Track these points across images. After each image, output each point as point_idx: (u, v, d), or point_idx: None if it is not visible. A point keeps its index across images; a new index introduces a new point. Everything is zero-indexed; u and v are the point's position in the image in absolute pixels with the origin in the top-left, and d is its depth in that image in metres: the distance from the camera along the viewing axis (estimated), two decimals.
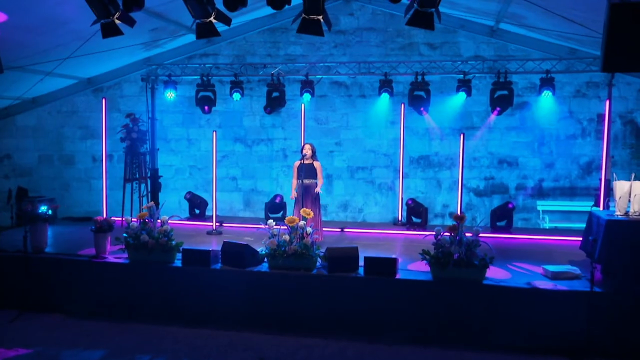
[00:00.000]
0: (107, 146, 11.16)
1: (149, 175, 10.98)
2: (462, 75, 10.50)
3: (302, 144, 9.58)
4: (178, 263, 8.25)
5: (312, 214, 8.31)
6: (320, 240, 9.35)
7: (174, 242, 8.27)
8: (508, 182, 12.99)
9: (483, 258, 7.60)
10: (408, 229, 10.54)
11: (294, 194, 9.45)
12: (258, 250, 8.15)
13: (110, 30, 6.74)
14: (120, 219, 10.50)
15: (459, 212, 9.64)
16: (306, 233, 8.07)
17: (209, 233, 10.39)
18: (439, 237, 7.74)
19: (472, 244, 7.66)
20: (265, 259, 8.11)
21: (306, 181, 9.39)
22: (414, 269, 8.04)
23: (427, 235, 8.03)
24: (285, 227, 8.04)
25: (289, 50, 13.16)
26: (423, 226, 10.46)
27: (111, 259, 8.41)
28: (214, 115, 13.28)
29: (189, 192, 11.61)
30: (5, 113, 12.61)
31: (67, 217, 11.52)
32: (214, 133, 10.35)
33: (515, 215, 12.55)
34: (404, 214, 11.26)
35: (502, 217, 10.45)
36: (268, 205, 11.15)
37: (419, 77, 10.56)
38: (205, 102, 10.97)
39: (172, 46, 11.92)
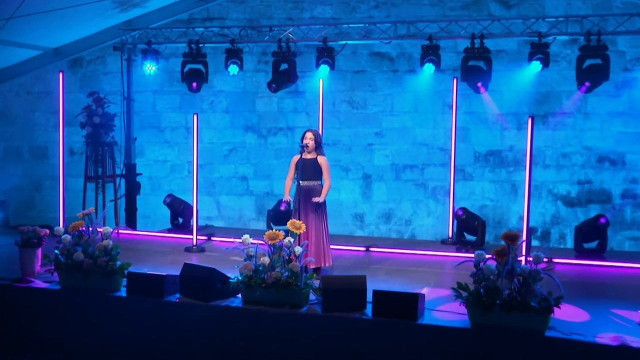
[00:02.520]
0: (67, 136, 10.22)
1: (122, 172, 9.95)
2: (536, 38, 8.95)
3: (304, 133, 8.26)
4: (124, 291, 7.16)
5: (303, 227, 7.02)
6: (326, 264, 8.05)
7: (118, 263, 7.15)
8: (611, 187, 11.57)
9: (545, 298, 6.13)
10: (458, 250, 9.07)
11: (287, 197, 8.16)
12: (231, 276, 6.93)
13: None
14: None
15: (528, 226, 8.11)
16: (294, 254, 6.77)
17: (188, 250, 9.29)
18: (481, 264, 6.29)
19: (530, 277, 6.19)
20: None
21: (306, 183, 8.08)
22: (448, 309, 6.69)
23: (461, 262, 6.59)
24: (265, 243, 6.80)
25: (316, 12, 12.04)
26: (479, 246, 8.98)
27: (39, 283, 7.46)
28: (219, 96, 12.35)
29: (170, 195, 10.59)
30: None
31: (18, 226, 10.63)
32: (195, 117, 9.16)
33: (617, 234, 10.97)
34: (455, 229, 9.84)
35: (591, 237, 8.90)
36: (271, 214, 9.98)
37: (476, 42, 9.07)
38: (194, 77, 9.94)
39: (160, 4, 10.86)
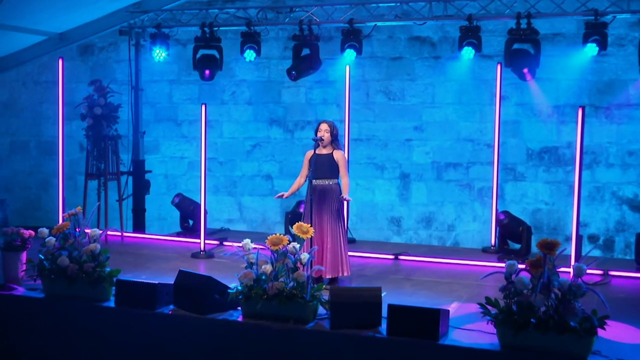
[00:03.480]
0: (76, 131, 10.14)
1: (130, 169, 9.77)
2: (592, 17, 8.46)
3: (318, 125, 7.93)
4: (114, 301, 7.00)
5: (311, 231, 6.68)
6: (344, 274, 7.69)
7: (107, 269, 6.93)
8: None
9: (588, 317, 5.65)
10: (500, 259, 8.61)
11: (285, 194, 7.85)
12: (231, 286, 6.65)
13: None
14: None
15: (577, 232, 7.63)
16: (300, 262, 6.44)
17: (195, 256, 9.03)
18: (513, 277, 5.86)
19: (570, 292, 5.73)
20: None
21: (320, 182, 7.74)
22: (476, 328, 6.27)
23: (490, 274, 6.17)
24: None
25: None
26: (524, 255, 8.53)
27: (22, 290, 7.33)
28: (241, 86, 12.15)
29: (178, 195, 10.36)
30: None
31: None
32: (203, 107, 8.93)
33: None
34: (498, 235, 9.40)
35: None
36: (289, 216, 9.66)
37: (522, 22, 8.61)
38: (207, 64, 9.70)
39: None
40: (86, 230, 7.19)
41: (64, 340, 7.06)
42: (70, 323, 7.06)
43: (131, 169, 10.36)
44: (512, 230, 8.94)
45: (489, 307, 5.97)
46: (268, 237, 6.56)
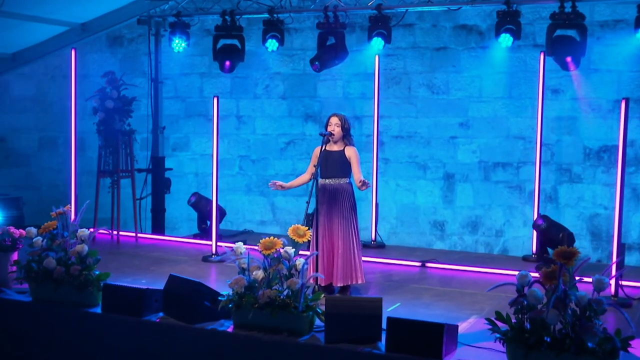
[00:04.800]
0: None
1: (149, 167, 9.60)
2: None
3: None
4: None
5: (308, 234, 6.34)
6: (357, 282, 7.32)
7: (96, 272, 6.73)
8: None
9: (609, 338, 5.15)
10: (537, 269, 8.05)
11: (284, 185, 7.49)
12: (223, 294, 6.37)
13: None
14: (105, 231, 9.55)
15: (619, 240, 7.07)
16: (295, 268, 6.11)
17: (205, 259, 8.77)
18: (525, 289, 5.41)
19: (590, 309, 5.22)
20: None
21: (330, 181, 7.36)
22: (488, 346, 5.80)
23: (497, 286, 5.71)
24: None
25: None
26: (586, 263, 7.97)
27: (10, 293, 7.21)
28: (275, 79, 11.92)
29: (195, 194, 10.13)
30: None
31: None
32: (215, 100, 8.69)
33: None
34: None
35: None
36: (310, 218, 9.25)
37: (567, 5, 8.08)
38: (228, 54, 9.41)
39: None
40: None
41: (50, 348, 6.91)
42: (56, 330, 6.91)
43: (150, 167, 10.14)
44: (551, 237, 8.42)
45: (499, 323, 5.53)
46: (261, 240, 6.25)
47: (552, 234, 8.45)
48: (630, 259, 10.40)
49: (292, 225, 6.44)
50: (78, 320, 6.79)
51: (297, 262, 6.17)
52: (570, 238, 8.30)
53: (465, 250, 11.01)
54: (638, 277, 8.10)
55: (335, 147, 7.43)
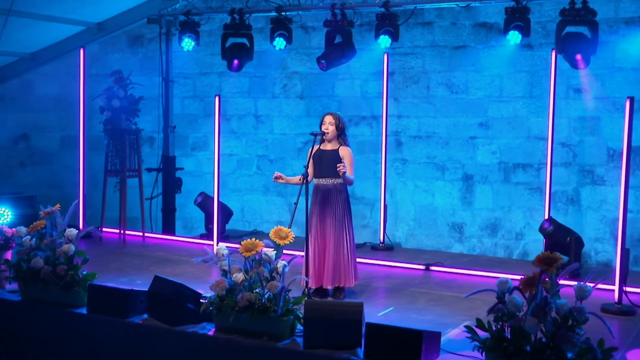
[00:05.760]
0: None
1: (159, 166, 9.55)
2: None
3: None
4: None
5: (290, 236, 6.18)
6: (348, 284, 7.14)
7: (84, 272, 6.68)
8: None
9: (590, 348, 4.89)
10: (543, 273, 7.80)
11: (281, 178, 7.30)
12: (204, 296, 6.26)
13: None
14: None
15: (623, 246, 6.76)
16: (277, 271, 5.96)
17: (205, 260, 8.61)
18: (506, 297, 5.18)
19: (571, 318, 4.99)
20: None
21: (324, 181, 7.21)
22: (472, 355, 5.57)
23: (475, 292, 5.49)
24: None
25: None
26: (573, 269, 7.65)
27: (2, 292, 7.25)
28: (292, 79, 11.80)
29: (202, 194, 10.02)
30: (7, 73, 12.15)
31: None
32: (217, 99, 8.56)
33: None
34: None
35: None
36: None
37: (577, 1, 7.78)
38: (236, 53, 9.30)
39: None
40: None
41: (38, 348, 6.91)
42: (43, 329, 6.90)
43: (161, 166, 10.08)
44: (558, 241, 8.11)
45: (480, 331, 5.31)
46: (242, 242, 6.11)
47: (559, 238, 8.16)
48: None
49: (274, 227, 6.30)
50: (64, 321, 6.77)
51: (278, 265, 6.03)
52: (578, 242, 8.00)
53: (484, 253, 10.70)
54: None
55: (329, 147, 7.28)
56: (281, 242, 6.15)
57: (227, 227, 10.17)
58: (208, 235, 9.99)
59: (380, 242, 9.67)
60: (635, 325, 6.62)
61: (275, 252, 6.09)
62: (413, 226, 11.17)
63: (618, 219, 10.16)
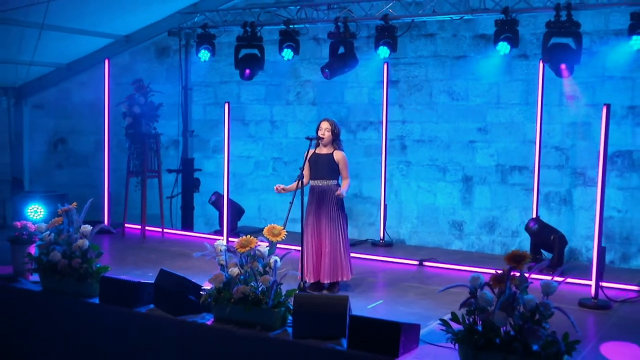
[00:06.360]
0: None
1: (179, 167, 9.54)
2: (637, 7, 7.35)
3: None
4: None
5: (283, 234, 6.11)
6: (343, 279, 7.05)
7: (97, 265, 6.66)
8: None
9: (554, 341, 4.76)
10: (529, 270, 7.61)
11: (284, 188, 7.21)
12: (204, 289, 6.22)
13: None
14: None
15: (600, 245, 6.58)
16: (269, 266, 5.89)
17: (205, 256, 8.57)
18: (478, 291, 5.07)
19: (538, 312, 4.86)
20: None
21: (319, 183, 7.14)
22: (450, 346, 5.44)
23: (447, 288, 5.37)
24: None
25: None
26: (556, 266, 7.52)
27: (26, 283, 7.26)
28: (305, 87, 11.69)
29: (216, 193, 9.96)
30: (45, 83, 12.17)
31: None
32: (226, 106, 8.49)
33: None
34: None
35: None
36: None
37: (562, 14, 7.60)
38: (248, 63, 9.24)
39: None
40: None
41: (55, 332, 6.92)
42: (60, 317, 6.91)
43: (180, 167, 10.06)
44: (543, 239, 7.92)
45: (453, 323, 5.20)
46: (238, 239, 6.06)
47: (544, 236, 7.97)
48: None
49: (268, 225, 6.23)
50: (78, 309, 6.77)
51: (271, 260, 5.96)
52: (561, 240, 7.81)
53: (482, 249, 10.52)
54: (630, 280, 7.60)
55: (324, 151, 7.20)
56: (274, 239, 6.07)
57: (239, 224, 10.09)
58: (221, 232, 9.93)
59: (381, 239, 9.55)
60: (610, 319, 6.46)
61: (268, 248, 6.01)
62: (416, 224, 11.03)
63: (608, 218, 10.07)
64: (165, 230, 10.11)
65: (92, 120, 12.84)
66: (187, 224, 10.63)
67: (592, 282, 6.67)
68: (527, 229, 8.23)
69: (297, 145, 11.65)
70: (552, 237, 7.81)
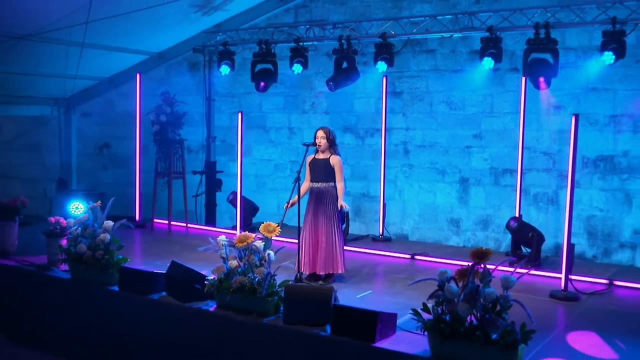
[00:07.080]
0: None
1: (203, 169, 9.60)
2: (610, 26, 7.18)
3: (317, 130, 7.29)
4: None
5: (277, 230, 6.10)
6: (338, 271, 7.03)
7: (119, 257, 6.73)
8: None
9: (511, 331, 4.69)
10: (510, 264, 7.53)
11: (292, 202, 7.17)
12: (208, 279, 6.25)
13: None
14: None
15: (569, 242, 6.46)
16: (264, 259, 5.89)
17: (208, 249, 8.59)
18: (445, 284, 5.01)
19: (497, 303, 4.80)
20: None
21: (317, 185, 7.13)
22: (422, 334, 5.37)
23: (417, 281, 5.31)
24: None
25: (415, 11, 10.72)
26: (534, 261, 7.40)
27: (58, 272, 7.31)
28: (319, 97, 11.62)
29: (233, 193, 9.96)
30: (91, 94, 12.32)
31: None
32: (239, 115, 8.52)
33: None
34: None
35: None
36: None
37: (541, 31, 7.48)
38: (263, 76, 9.23)
39: (248, 5, 10.32)
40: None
41: (81, 316, 7.01)
42: (86, 303, 6.97)
43: (204, 169, 10.12)
44: (523, 236, 7.80)
45: (423, 313, 5.15)
46: (237, 235, 6.08)
47: (523, 234, 7.83)
48: (622, 257, 9.64)
49: (264, 222, 6.23)
50: (101, 296, 6.84)
51: (266, 254, 5.97)
52: (539, 238, 7.67)
53: (477, 244, 10.36)
54: (602, 274, 7.45)
55: (322, 156, 7.19)
56: (269, 235, 6.07)
57: (255, 220, 10.11)
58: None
59: (380, 234, 9.49)
60: (577, 310, 6.34)
61: (264, 243, 6.01)
62: (418, 221, 10.94)
63: (591, 217, 9.90)
64: (189, 225, 10.16)
65: (132, 127, 12.95)
66: (210, 220, 10.69)
67: (562, 276, 6.55)
68: (507, 227, 8.11)
69: (312, 150, 11.64)
70: (530, 235, 7.68)
